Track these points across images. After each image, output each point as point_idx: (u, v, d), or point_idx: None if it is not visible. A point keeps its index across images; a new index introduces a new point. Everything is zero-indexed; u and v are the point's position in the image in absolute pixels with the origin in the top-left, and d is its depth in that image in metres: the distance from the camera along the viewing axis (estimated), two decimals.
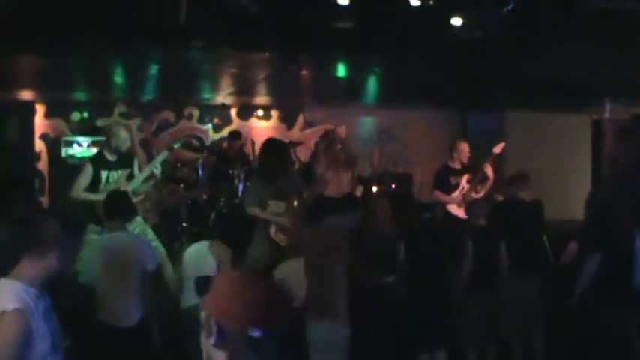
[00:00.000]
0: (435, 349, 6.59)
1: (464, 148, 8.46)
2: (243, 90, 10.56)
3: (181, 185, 8.83)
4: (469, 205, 7.86)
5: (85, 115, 10.48)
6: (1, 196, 5.25)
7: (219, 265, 5.69)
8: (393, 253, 6.71)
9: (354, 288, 6.17)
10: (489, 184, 8.29)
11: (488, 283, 6.84)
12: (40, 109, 10.33)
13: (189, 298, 5.58)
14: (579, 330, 7.06)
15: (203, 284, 4.93)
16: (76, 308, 4.48)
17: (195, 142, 10.36)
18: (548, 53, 8.12)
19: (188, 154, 9.51)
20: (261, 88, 10.66)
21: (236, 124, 10.79)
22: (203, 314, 2.27)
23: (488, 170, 8.30)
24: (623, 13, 6.83)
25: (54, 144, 10.18)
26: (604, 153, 9.91)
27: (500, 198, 8.14)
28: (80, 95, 10.47)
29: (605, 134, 9.89)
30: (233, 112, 10.94)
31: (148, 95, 10.39)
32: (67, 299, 3.79)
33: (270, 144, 7.01)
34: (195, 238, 6.92)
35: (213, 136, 10.83)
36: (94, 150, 9.06)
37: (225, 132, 10.43)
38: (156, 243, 6.50)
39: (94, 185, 6.72)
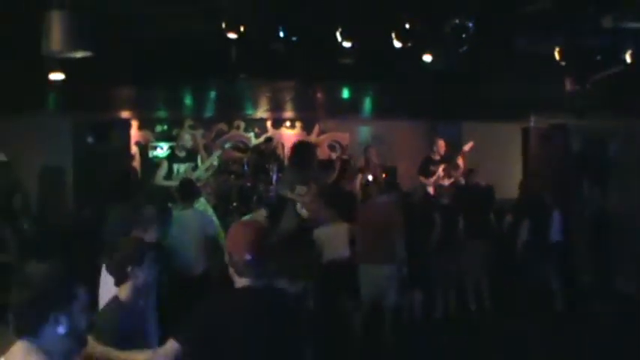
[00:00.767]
0: (414, 291, 6.70)
1: (441, 143, 8.49)
2: (276, 107, 10.54)
3: (232, 176, 8.81)
4: (437, 188, 7.94)
5: (165, 127, 10.47)
6: (121, 188, 5.39)
7: None
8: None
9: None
10: (460, 171, 8.30)
11: (451, 245, 6.94)
12: (134, 124, 10.35)
13: None
14: (516, 275, 7.19)
15: None
16: (166, 264, 4.56)
17: (241, 145, 10.40)
18: (492, 79, 8.15)
19: (237, 154, 9.55)
20: (289, 106, 10.64)
21: (270, 132, 10.73)
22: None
23: (460, 161, 8.33)
24: (541, 54, 6.89)
25: (144, 148, 10.22)
26: (530, 152, 9.90)
27: (463, 182, 8.19)
28: (161, 113, 10.49)
29: (531, 138, 9.89)
30: (269, 123, 10.85)
31: (209, 113, 10.41)
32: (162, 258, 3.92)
33: (301, 144, 7.02)
34: (243, 215, 6.98)
35: (255, 141, 10.76)
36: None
37: (262, 138, 10.43)
38: (214, 217, 6.57)
39: (169, 175, 6.82)
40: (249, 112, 10.76)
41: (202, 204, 6.39)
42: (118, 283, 2.94)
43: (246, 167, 8.93)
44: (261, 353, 2.34)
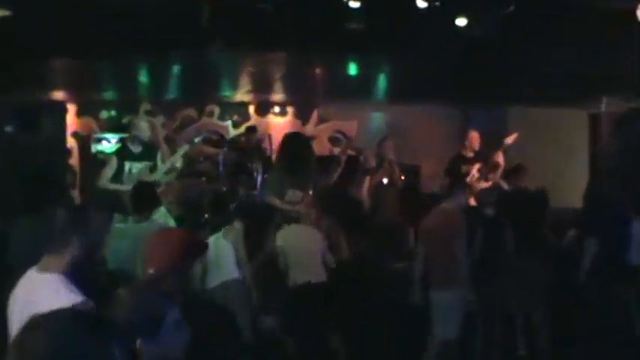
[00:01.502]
0: None
1: (475, 136, 8.41)
2: (261, 88, 10.51)
3: (203, 178, 8.75)
4: (479, 193, 7.82)
5: (113, 113, 10.48)
6: (34, 192, 5.25)
7: (235, 246, 5.67)
8: (402, 241, 6.69)
9: (364, 274, 6.20)
10: (500, 171, 8.23)
11: (494, 267, 6.83)
12: (71, 109, 10.29)
13: (212, 280, 5.60)
14: (582, 306, 7.08)
15: None
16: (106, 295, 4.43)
17: (215, 138, 10.36)
18: (547, 49, 8.06)
19: (209, 149, 9.52)
20: (278, 87, 10.59)
21: (254, 120, 10.72)
22: None
23: (500, 158, 8.25)
24: (618, 14, 6.78)
25: (84, 141, 10.19)
26: (600, 145, 9.85)
27: (506, 187, 8.11)
28: (108, 95, 10.48)
29: (602, 127, 9.82)
30: (251, 109, 10.88)
31: (172, 94, 10.34)
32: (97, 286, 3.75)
33: (291, 138, 6.97)
34: (215, 230, 6.91)
35: (233, 132, 10.76)
36: None
37: (243, 128, 10.37)
38: None
39: (118, 176, 6.74)
40: (226, 93, 10.74)
41: (163, 215, 6.25)
42: None
43: (221, 167, 8.89)
44: None
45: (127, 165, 6.84)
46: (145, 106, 10.49)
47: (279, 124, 10.90)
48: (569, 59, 8.09)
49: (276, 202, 6.39)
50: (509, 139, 8.32)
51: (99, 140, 10.05)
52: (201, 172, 8.89)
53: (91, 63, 8.88)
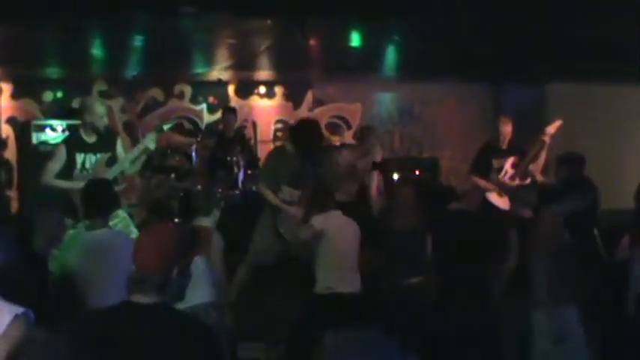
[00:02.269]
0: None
1: (508, 122, 8.36)
2: (243, 64, 10.53)
3: (172, 175, 8.78)
4: (515, 193, 7.81)
5: (59, 94, 10.48)
6: None
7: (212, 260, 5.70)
8: (418, 251, 6.65)
9: (374, 290, 6.18)
10: (540, 167, 8.19)
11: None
12: (6, 89, 10.34)
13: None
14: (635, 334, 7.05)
15: None
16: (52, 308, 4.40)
17: (187, 124, 10.38)
18: (599, 15, 8.05)
19: (179, 139, 9.51)
20: (263, 62, 10.61)
21: (234, 102, 10.73)
22: None
23: (542, 153, 8.20)
24: None
25: (23, 129, 10.12)
26: None
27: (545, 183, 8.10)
28: (53, 72, 10.45)
29: None
30: (231, 89, 10.92)
31: (132, 71, 10.32)
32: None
33: (301, 126, 7.18)
34: None
35: (209, 118, 10.80)
36: None
37: (220, 113, 10.37)
38: None
39: (67, 170, 6.68)
40: (200, 70, 10.76)
41: (122, 219, 6.33)
42: None
43: (194, 160, 8.93)
44: None
45: (79, 158, 6.81)
46: (100, 86, 10.49)
47: (265, 107, 10.95)
48: (626, 25, 8.10)
49: (269, 195, 6.52)
50: (552, 128, 8.26)
51: (42, 128, 9.95)
52: (171, 166, 8.89)
53: (31, 30, 8.84)
